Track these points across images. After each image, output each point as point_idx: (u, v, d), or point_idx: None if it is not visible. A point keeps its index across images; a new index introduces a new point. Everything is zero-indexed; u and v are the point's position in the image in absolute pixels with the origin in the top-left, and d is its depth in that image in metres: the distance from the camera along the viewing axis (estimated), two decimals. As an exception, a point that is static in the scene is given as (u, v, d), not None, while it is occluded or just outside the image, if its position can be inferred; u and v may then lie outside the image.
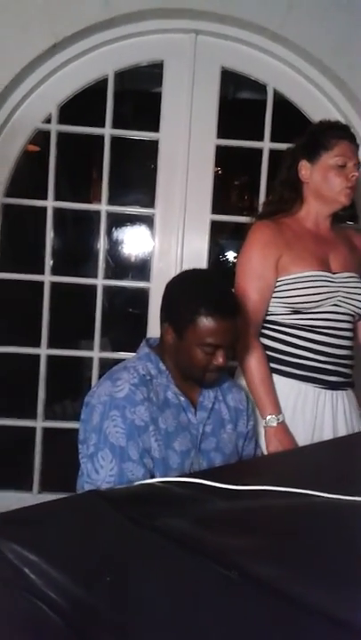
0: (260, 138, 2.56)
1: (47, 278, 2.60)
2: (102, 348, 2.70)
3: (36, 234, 2.64)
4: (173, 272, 1.70)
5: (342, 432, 1.80)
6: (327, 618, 0.66)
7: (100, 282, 2.62)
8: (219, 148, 2.55)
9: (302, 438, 1.78)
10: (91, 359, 2.67)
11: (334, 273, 1.80)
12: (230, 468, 1.50)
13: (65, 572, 0.73)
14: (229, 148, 2.63)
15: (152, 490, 1.02)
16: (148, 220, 2.83)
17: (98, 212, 2.64)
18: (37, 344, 2.62)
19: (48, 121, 2.54)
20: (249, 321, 1.77)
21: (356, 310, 1.80)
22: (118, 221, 4.12)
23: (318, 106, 2.52)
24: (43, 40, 2.38)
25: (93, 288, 2.63)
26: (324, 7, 2.40)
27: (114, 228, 4.21)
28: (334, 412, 1.80)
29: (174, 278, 1.62)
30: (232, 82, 3.10)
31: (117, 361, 1.69)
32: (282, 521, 0.94)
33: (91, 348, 2.67)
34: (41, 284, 2.60)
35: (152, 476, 1.44)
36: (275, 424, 1.75)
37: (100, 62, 2.52)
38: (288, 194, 1.86)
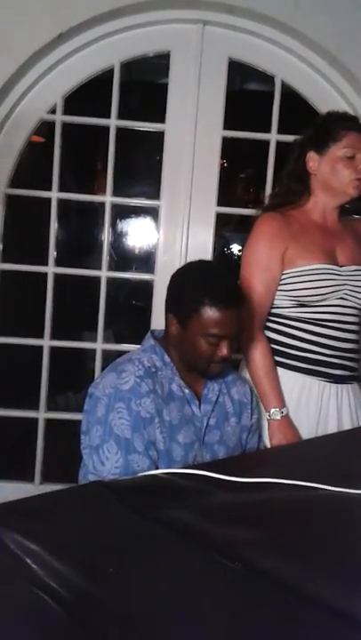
0: (267, 130, 2.54)
1: (51, 270, 2.59)
2: (105, 341, 2.69)
3: (40, 225, 2.63)
4: (178, 264, 1.69)
5: (347, 426, 1.79)
6: (331, 610, 0.66)
7: (103, 274, 2.61)
8: (225, 140, 2.54)
9: (306, 432, 1.77)
10: (94, 351, 2.67)
11: (341, 266, 1.79)
12: (234, 460, 1.49)
13: (67, 563, 0.72)
14: (235, 141, 2.61)
15: (155, 481, 1.01)
16: (152, 212, 2.82)
17: (102, 204, 2.63)
18: (40, 335, 2.61)
19: (53, 111, 2.53)
20: (254, 313, 1.76)
21: (363, 304, 1.79)
22: (123, 213, 4.11)
23: (326, 97, 2.50)
24: (48, 30, 2.37)
25: (97, 280, 2.62)
26: (334, -2, 2.38)
27: (118, 220, 4.20)
28: (339, 406, 1.79)
29: (179, 269, 1.62)
30: (239, 73, 3.08)
31: (120, 353, 1.69)
32: (285, 513, 0.94)
33: (94, 340, 2.67)
34: (45, 275, 2.59)
35: (156, 468, 1.44)
36: (278, 417, 1.74)
37: (106, 53, 2.50)
38: (295, 185, 1.84)
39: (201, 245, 2.53)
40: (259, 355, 1.78)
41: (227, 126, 2.53)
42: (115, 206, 2.64)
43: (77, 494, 0.98)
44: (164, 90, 2.54)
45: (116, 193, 2.60)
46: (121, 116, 2.55)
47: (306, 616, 0.66)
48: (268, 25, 2.45)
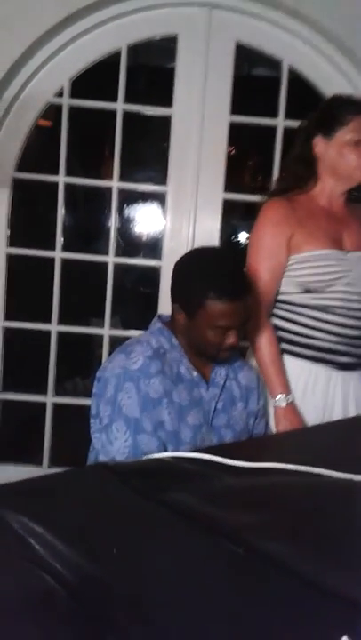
0: (274, 116, 2.52)
1: (58, 255, 2.59)
2: (112, 326, 2.69)
3: (47, 209, 2.62)
4: (185, 251, 1.68)
5: (353, 413, 1.79)
6: (333, 596, 0.66)
7: (111, 259, 2.60)
8: (232, 128, 2.51)
9: (312, 418, 1.77)
10: (101, 337, 2.67)
11: (348, 252, 1.78)
12: (239, 445, 1.50)
13: (71, 544, 0.72)
14: (242, 128, 2.58)
15: (160, 464, 1.02)
16: (159, 198, 2.80)
17: (109, 189, 2.62)
18: (48, 320, 2.62)
19: (60, 95, 2.52)
20: (260, 300, 1.76)
21: (370, 290, 1.78)
22: (130, 199, 4.09)
23: (334, 83, 2.47)
24: (55, 12, 2.35)
25: (104, 265, 2.61)
26: (342, -17, 2.35)
27: (125, 206, 4.18)
28: (345, 393, 1.79)
29: (182, 259, 1.60)
30: (246, 58, 3.04)
31: (127, 339, 1.69)
32: (290, 499, 0.94)
33: (101, 325, 2.67)
34: (52, 260, 2.59)
35: (165, 449, 1.45)
36: (284, 404, 1.74)
37: (113, 36, 2.49)
38: (302, 170, 1.83)
39: (208, 232, 2.52)
40: (265, 342, 1.78)
41: (234, 112, 2.50)
42: (122, 191, 2.63)
43: (81, 476, 0.99)
44: (170, 74, 2.51)
45: (123, 178, 2.59)
46: (128, 100, 2.53)
47: (308, 601, 0.66)
48: (276, 9, 2.42)
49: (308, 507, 0.91)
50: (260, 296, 1.75)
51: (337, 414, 1.78)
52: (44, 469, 2.65)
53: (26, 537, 0.74)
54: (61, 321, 2.63)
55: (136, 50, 2.63)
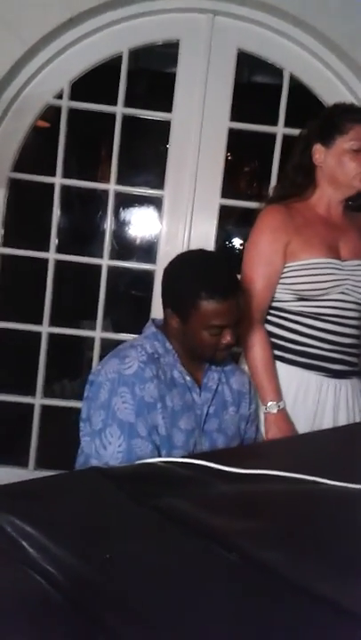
0: (274, 124, 2.53)
1: (52, 256, 2.58)
2: (103, 329, 2.68)
3: (43, 211, 2.62)
4: (180, 255, 1.69)
5: (343, 421, 1.79)
6: (325, 602, 0.66)
7: (105, 262, 2.60)
8: (230, 134, 2.52)
9: (302, 425, 1.77)
10: (91, 339, 2.66)
11: (344, 260, 1.78)
12: (232, 451, 1.50)
13: (64, 547, 0.72)
14: (240, 134, 2.59)
15: (153, 469, 1.01)
16: (156, 202, 2.80)
17: (106, 192, 2.61)
18: (39, 321, 2.60)
19: (60, 96, 2.51)
20: (254, 306, 1.76)
21: (365, 299, 1.79)
22: (126, 202, 4.10)
23: (335, 92, 2.48)
24: (59, 14, 2.35)
25: (98, 268, 2.61)
26: (346, -7, 2.36)
27: (121, 209, 4.18)
28: (336, 401, 1.79)
29: (171, 263, 1.60)
30: (247, 65, 3.06)
31: (119, 342, 1.68)
32: (283, 506, 0.94)
33: (92, 328, 2.66)
34: (45, 261, 2.58)
35: (159, 454, 1.44)
36: (275, 411, 1.74)
37: (115, 39, 2.49)
38: (301, 178, 1.83)
39: (204, 237, 2.52)
40: (258, 348, 1.78)
41: (234, 118, 2.51)
42: (118, 195, 2.62)
43: (75, 479, 0.98)
44: (171, 79, 2.52)
45: (119, 181, 2.59)
46: (128, 104, 2.53)
47: (301, 608, 0.66)
48: (279, 17, 2.43)
49: (301, 513, 0.91)
50: (254, 302, 1.75)
51: (327, 422, 1.78)
52: (29, 471, 2.63)
53: (19, 539, 0.73)
54: (52, 322, 2.62)
55: (137, 54, 2.63)
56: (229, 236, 4.56)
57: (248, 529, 0.81)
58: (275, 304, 1.81)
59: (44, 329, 2.61)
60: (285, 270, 1.77)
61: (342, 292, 1.76)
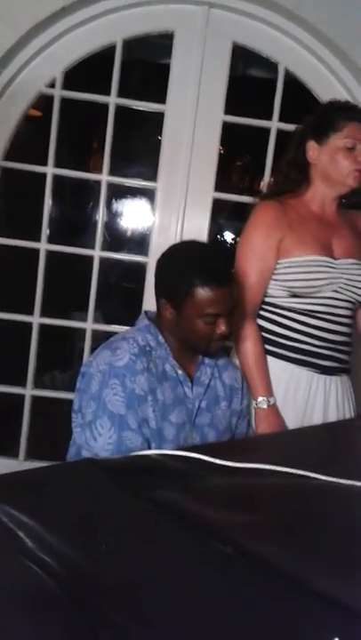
0: (268, 118, 2.53)
1: (43, 246, 2.57)
2: (95, 321, 2.68)
3: (34, 201, 2.60)
4: (172, 247, 1.68)
5: (333, 416, 1.80)
6: (319, 596, 0.66)
7: (96, 253, 2.59)
8: (223, 127, 2.51)
9: (293, 421, 1.78)
10: (82, 331, 2.65)
11: (337, 259, 1.78)
12: (225, 444, 1.50)
13: (60, 537, 0.72)
14: (233, 128, 2.58)
15: (148, 461, 1.01)
16: (149, 194, 2.80)
17: (98, 182, 2.60)
18: (30, 312, 2.59)
19: (52, 85, 2.50)
20: (247, 301, 1.76)
21: (357, 298, 1.79)
22: (118, 193, 4.07)
23: (330, 88, 2.48)
24: (52, 2, 2.33)
25: (89, 259, 2.60)
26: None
27: (113, 200, 4.17)
28: (326, 397, 1.80)
29: (164, 254, 1.61)
30: (242, 59, 3.05)
31: (110, 334, 1.68)
32: (275, 499, 0.95)
33: (83, 319, 2.65)
34: (36, 251, 2.57)
35: (149, 447, 1.44)
36: (265, 406, 1.75)
37: (109, 29, 2.47)
38: (294, 175, 1.83)
39: (196, 229, 2.51)
40: (250, 343, 1.78)
41: (228, 112, 2.50)
42: (110, 186, 2.61)
43: (70, 470, 0.98)
44: (165, 70, 2.50)
45: (112, 172, 2.58)
46: (121, 94, 2.52)
47: (294, 601, 0.66)
48: (275, 11, 2.43)
49: (295, 507, 0.91)
50: (246, 297, 1.75)
51: (317, 417, 1.79)
52: (20, 462, 2.63)
53: (15, 529, 0.73)
54: (43, 313, 2.61)
55: (131, 44, 2.62)
56: (222, 229, 4.57)
57: (243, 522, 0.82)
58: (267, 299, 1.81)
59: (35, 319, 2.60)
60: (278, 266, 1.77)
61: (335, 291, 1.76)
